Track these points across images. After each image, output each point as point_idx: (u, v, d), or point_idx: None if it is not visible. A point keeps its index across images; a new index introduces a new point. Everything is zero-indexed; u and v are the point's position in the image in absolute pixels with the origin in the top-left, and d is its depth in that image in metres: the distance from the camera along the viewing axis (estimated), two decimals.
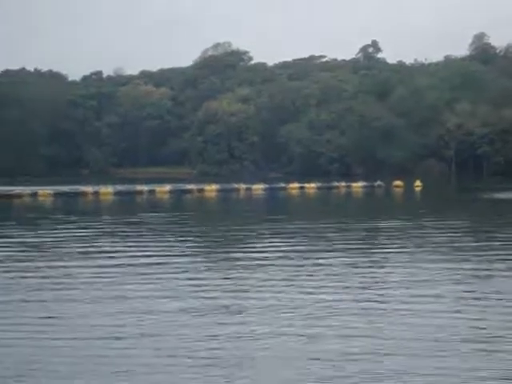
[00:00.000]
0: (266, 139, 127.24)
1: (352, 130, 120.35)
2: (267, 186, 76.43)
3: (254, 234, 33.20)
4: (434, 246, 27.02)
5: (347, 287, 18.39)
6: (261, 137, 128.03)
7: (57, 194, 63.43)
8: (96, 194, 65.68)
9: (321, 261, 23.06)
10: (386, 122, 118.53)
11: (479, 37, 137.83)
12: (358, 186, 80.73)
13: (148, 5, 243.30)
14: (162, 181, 79.78)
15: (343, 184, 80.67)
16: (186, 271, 21.29)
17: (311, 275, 20.30)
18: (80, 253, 25.61)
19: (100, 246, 27.62)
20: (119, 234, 33.00)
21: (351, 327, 14.10)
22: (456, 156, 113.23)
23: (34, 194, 63.01)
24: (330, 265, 22.19)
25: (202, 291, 17.99)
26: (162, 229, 35.34)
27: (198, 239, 31.30)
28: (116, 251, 26.19)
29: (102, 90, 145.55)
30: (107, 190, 67.22)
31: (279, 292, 17.70)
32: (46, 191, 64.31)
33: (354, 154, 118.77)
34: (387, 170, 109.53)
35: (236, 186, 75.40)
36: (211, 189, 73.17)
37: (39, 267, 22.19)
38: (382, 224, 36.87)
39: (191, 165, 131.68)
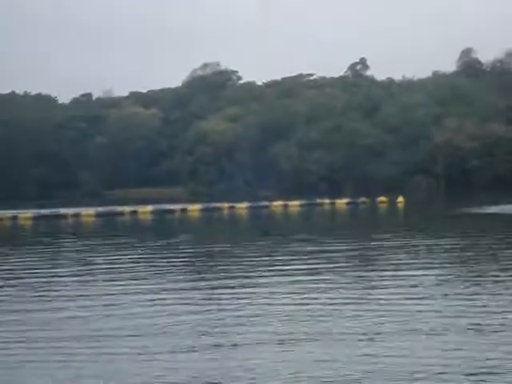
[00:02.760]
0: (256, 157, 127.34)
1: (341, 148, 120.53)
2: (250, 204, 76.59)
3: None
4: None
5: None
6: (250, 155, 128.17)
7: (36, 218, 63.47)
8: (76, 216, 65.75)
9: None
10: (374, 138, 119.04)
11: (466, 52, 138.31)
12: (341, 202, 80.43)
13: (136, 26, 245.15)
14: (153, 201, 79.96)
15: (327, 201, 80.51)
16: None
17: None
18: None
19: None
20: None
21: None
22: (444, 171, 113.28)
23: (15, 218, 63.10)
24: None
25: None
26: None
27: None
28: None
29: (91, 112, 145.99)
30: (88, 212, 67.29)
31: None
32: (25, 214, 64.42)
33: (343, 171, 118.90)
34: (376, 186, 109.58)
35: (219, 205, 75.54)
36: (194, 208, 73.22)
37: None
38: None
39: (183, 185, 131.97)
